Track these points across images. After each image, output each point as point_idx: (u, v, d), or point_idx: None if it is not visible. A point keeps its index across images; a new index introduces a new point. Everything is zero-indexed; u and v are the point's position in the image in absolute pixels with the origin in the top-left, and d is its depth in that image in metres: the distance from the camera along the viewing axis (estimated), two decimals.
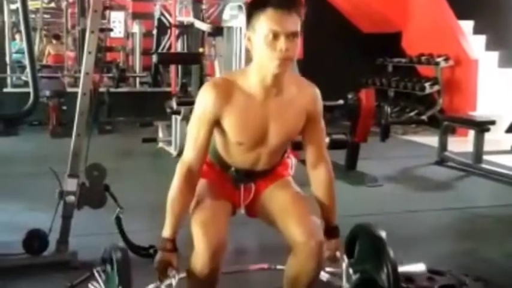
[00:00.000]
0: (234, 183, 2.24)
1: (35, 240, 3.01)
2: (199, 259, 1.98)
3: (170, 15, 8.81)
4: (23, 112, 3.29)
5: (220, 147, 2.18)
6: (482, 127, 5.71)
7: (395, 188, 5.12)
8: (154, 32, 10.04)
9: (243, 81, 2.04)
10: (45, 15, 12.86)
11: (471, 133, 6.24)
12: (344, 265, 2.20)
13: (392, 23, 8.59)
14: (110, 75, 9.41)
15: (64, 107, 7.26)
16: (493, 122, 5.78)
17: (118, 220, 3.06)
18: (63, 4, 11.56)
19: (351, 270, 2.21)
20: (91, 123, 3.35)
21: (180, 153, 5.81)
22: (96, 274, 2.38)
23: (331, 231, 2.17)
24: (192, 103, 6.57)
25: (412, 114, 8.22)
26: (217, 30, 5.91)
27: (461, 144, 6.56)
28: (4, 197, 4.41)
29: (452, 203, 4.66)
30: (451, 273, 2.90)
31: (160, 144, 6.48)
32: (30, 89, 3.19)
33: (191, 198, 2.10)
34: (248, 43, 2.01)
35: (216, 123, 2.06)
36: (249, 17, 1.98)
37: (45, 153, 5.91)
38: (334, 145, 4.52)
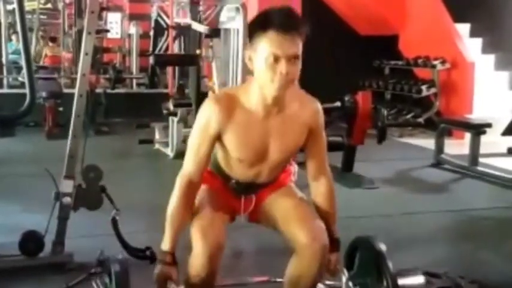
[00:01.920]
0: (234, 193, 2.24)
1: (30, 241, 2.99)
2: (197, 263, 1.98)
3: (167, 16, 8.82)
4: (20, 113, 3.28)
5: (222, 160, 2.18)
6: (478, 130, 5.73)
7: (391, 190, 5.12)
8: (151, 33, 10.05)
9: (244, 97, 2.04)
10: (42, 16, 12.84)
11: (467, 136, 6.25)
12: (344, 278, 2.20)
13: (389, 26, 8.60)
14: (107, 76, 9.40)
15: (60, 108, 7.24)
16: (489, 125, 5.79)
17: (114, 221, 3.06)
18: (60, 5, 11.54)
19: (350, 284, 2.21)
20: (87, 124, 3.34)
21: (176, 155, 5.82)
22: (94, 284, 2.38)
23: (332, 244, 2.15)
24: (189, 105, 6.60)
25: (408, 116, 8.22)
26: (215, 32, 5.91)
27: (457, 146, 6.57)
28: (0, 198, 4.39)
29: (449, 205, 4.67)
30: (447, 275, 2.91)
31: (157, 146, 6.47)
32: (27, 90, 3.19)
33: (191, 211, 2.10)
34: (249, 62, 2.00)
35: (217, 138, 2.06)
36: (251, 36, 1.97)
37: (41, 154, 5.90)
38: (330, 147, 4.51)
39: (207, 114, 2.04)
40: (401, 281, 2.20)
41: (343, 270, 2.21)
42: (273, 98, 1.98)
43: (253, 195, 2.24)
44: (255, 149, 2.07)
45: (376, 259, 2.18)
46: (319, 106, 2.16)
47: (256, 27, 1.95)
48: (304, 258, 2.04)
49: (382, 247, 2.19)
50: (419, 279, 2.48)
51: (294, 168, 2.38)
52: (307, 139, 2.14)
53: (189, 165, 2.08)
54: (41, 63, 10.90)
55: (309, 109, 2.12)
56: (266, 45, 1.91)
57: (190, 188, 2.07)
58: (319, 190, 2.22)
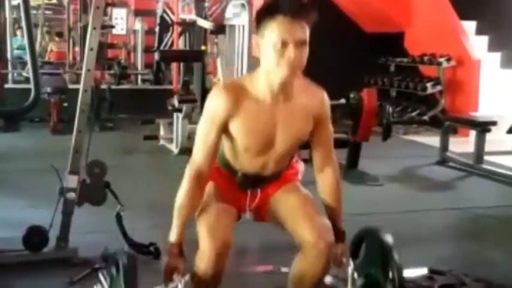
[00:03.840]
0: (240, 187, 2.23)
1: (35, 236, 3.00)
2: (204, 261, 1.98)
3: (172, 12, 8.80)
4: (24, 108, 3.28)
5: (228, 152, 2.18)
6: (483, 128, 5.71)
7: (396, 188, 5.11)
8: (157, 29, 10.03)
9: (251, 86, 2.04)
10: (47, 12, 12.85)
11: (472, 133, 6.23)
12: (349, 269, 2.19)
13: (395, 23, 8.58)
14: (112, 72, 9.41)
15: (65, 104, 7.25)
16: (494, 123, 5.77)
17: (118, 217, 3.06)
18: (65, 0, 11.55)
19: (355, 274, 2.20)
20: (92, 120, 3.35)
21: (181, 151, 5.82)
22: (101, 276, 2.38)
23: (337, 235, 2.15)
24: (193, 101, 6.59)
25: (413, 114, 8.21)
26: (220, 28, 5.92)
27: (462, 144, 6.55)
28: (4, 193, 4.40)
29: (453, 203, 4.66)
30: (451, 273, 2.90)
31: (162, 142, 6.47)
32: (32, 85, 3.18)
33: (199, 203, 2.09)
34: (256, 48, 2.00)
35: (225, 127, 2.05)
36: (258, 23, 1.97)
37: (46, 149, 5.90)
38: (335, 144, 4.51)
39: (215, 103, 2.04)
40: (406, 273, 2.18)
41: (349, 262, 2.19)
42: (280, 84, 1.98)
43: (259, 190, 2.23)
44: (261, 137, 2.06)
45: (382, 250, 2.16)
46: (325, 96, 2.15)
47: (264, 13, 1.95)
48: (309, 256, 2.04)
49: (389, 238, 2.18)
50: (424, 271, 2.47)
51: (302, 167, 2.38)
52: (314, 129, 2.13)
53: (198, 154, 2.07)
54: (47, 59, 10.91)
55: (316, 98, 2.12)
56: (274, 31, 1.91)
57: (199, 178, 2.06)
58: (325, 182, 2.21)
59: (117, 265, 2.07)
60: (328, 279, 2.44)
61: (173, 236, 2.06)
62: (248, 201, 2.25)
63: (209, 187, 2.17)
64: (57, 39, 11.42)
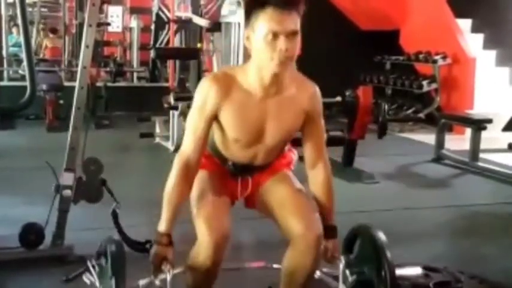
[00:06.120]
0: (231, 175, 2.24)
1: (31, 234, 3.00)
2: (203, 252, 1.98)
3: (168, 10, 8.78)
4: (20, 105, 3.27)
5: (218, 141, 2.18)
6: (479, 125, 5.72)
7: (392, 185, 5.12)
8: (152, 26, 10.01)
9: (242, 78, 2.03)
10: (43, 9, 12.81)
11: (468, 131, 6.25)
12: (341, 266, 2.19)
13: (390, 21, 8.59)
14: (108, 69, 9.39)
15: (61, 101, 7.25)
16: (489, 121, 5.79)
17: (114, 214, 3.06)
18: None
19: (347, 272, 2.20)
20: (88, 117, 3.34)
21: (177, 148, 5.81)
22: (91, 267, 2.38)
23: (329, 231, 2.15)
24: (189, 98, 6.58)
25: (409, 111, 8.22)
26: (216, 26, 5.91)
27: (458, 142, 6.57)
28: (0, 190, 4.40)
29: (449, 200, 4.67)
30: (446, 270, 2.91)
31: (158, 139, 6.47)
32: (27, 83, 3.18)
33: (188, 192, 2.09)
34: (247, 42, 2.00)
35: (215, 117, 2.05)
36: (248, 15, 1.97)
37: (41, 147, 5.89)
38: (331, 142, 4.52)
39: (204, 93, 2.03)
40: (399, 272, 2.19)
41: (341, 258, 2.19)
42: (272, 76, 1.97)
43: (249, 178, 2.23)
44: (251, 130, 2.06)
45: (375, 248, 2.17)
46: (317, 90, 2.14)
47: (254, 5, 1.95)
48: (298, 249, 2.05)
49: (382, 236, 2.18)
50: (417, 270, 2.48)
51: (295, 156, 2.37)
52: (305, 123, 2.13)
53: (187, 144, 2.07)
54: (41, 56, 10.88)
55: (307, 93, 2.11)
56: (264, 23, 1.90)
57: (188, 168, 2.06)
58: (317, 178, 2.20)
59: (105, 254, 2.08)
60: (319, 275, 2.43)
61: (162, 226, 2.05)
62: (239, 189, 2.25)
63: (202, 176, 2.16)
64: (51, 35, 11.37)
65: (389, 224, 3.78)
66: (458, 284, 2.80)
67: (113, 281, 1.97)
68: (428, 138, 6.80)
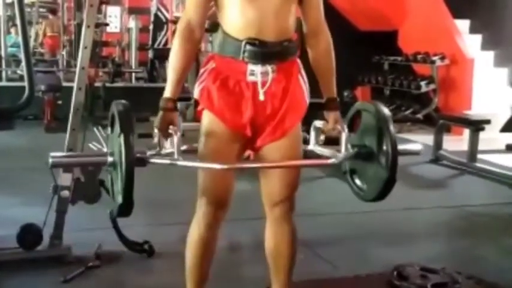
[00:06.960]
0: (249, 68, 2.05)
1: (29, 234, 3.00)
2: (204, 213, 2.04)
3: (167, 10, 8.81)
4: (18, 106, 3.27)
5: (223, 20, 2.11)
6: (477, 126, 5.73)
7: None
8: (151, 27, 10.03)
9: None
10: (41, 9, 12.81)
11: (466, 132, 6.25)
12: (344, 135, 2.15)
13: (389, 21, 8.59)
14: (106, 70, 9.40)
15: (59, 102, 7.24)
16: (487, 121, 5.79)
17: (112, 215, 3.06)
18: None
19: (349, 146, 2.15)
20: (86, 117, 3.34)
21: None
22: (97, 131, 2.35)
23: (331, 103, 2.16)
24: (188, 99, 6.55)
25: (407, 112, 8.23)
26: (214, 27, 5.89)
27: (456, 142, 6.58)
28: None
29: (447, 201, 4.67)
30: (444, 271, 2.92)
31: (156, 140, 6.45)
32: (26, 83, 3.18)
33: (192, 55, 2.08)
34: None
35: None
36: None
37: (40, 147, 5.84)
38: (329, 141, 4.52)
39: None
40: (400, 147, 2.13)
41: (344, 128, 2.14)
42: None
43: (269, 69, 2.05)
44: None
45: (378, 120, 2.11)
46: None
47: None
48: (270, 223, 2.12)
49: (385, 110, 2.13)
50: (418, 146, 2.44)
51: (306, 85, 2.23)
52: None
53: (188, 10, 2.07)
54: (40, 42, 10.81)
55: None
56: None
57: (190, 32, 2.05)
58: (319, 47, 2.17)
59: (112, 118, 2.05)
60: (320, 150, 2.34)
61: (168, 92, 2.07)
62: (260, 85, 2.05)
63: (209, 121, 2.09)
64: (50, 16, 11.29)
65: (387, 225, 3.79)
66: (455, 285, 2.80)
67: (122, 138, 1.98)
68: (426, 139, 6.78)
